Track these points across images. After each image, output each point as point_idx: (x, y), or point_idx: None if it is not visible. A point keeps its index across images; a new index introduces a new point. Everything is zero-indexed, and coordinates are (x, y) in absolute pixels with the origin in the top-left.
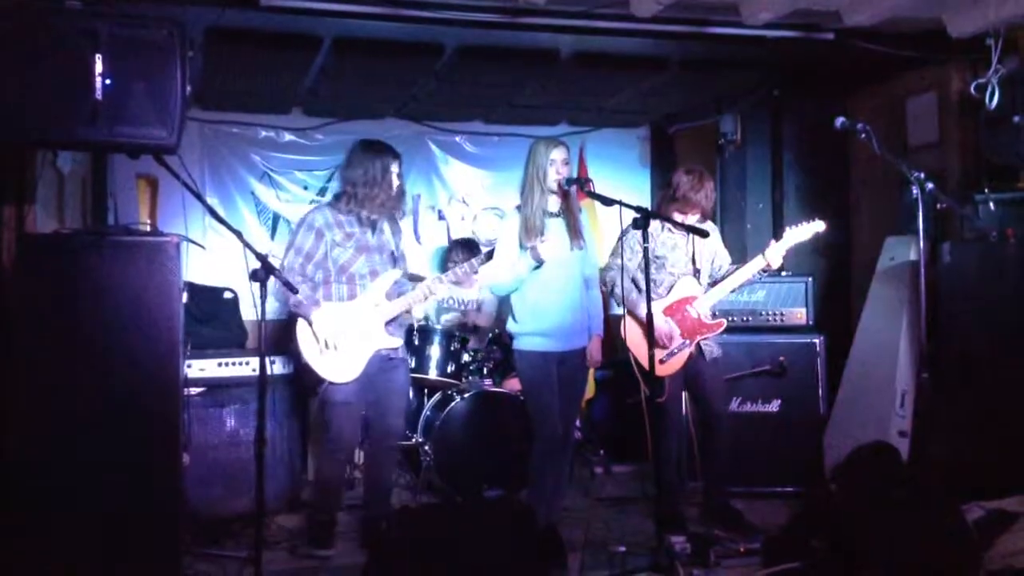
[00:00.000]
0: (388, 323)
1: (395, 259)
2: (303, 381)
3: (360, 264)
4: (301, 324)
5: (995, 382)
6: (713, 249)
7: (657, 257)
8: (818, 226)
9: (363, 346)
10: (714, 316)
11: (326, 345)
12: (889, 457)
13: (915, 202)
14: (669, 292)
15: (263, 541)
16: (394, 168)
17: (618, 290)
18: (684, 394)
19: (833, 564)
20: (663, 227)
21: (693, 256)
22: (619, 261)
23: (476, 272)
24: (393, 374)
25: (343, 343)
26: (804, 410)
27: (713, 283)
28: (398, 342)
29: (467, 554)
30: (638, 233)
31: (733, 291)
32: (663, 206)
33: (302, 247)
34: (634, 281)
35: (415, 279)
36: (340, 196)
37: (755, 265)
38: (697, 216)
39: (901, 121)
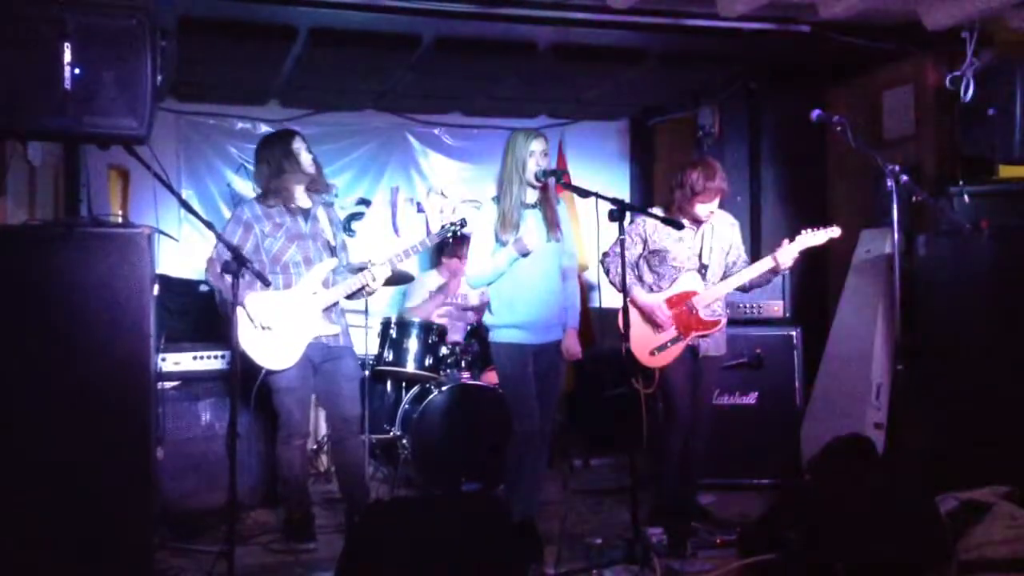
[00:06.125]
0: (326, 310)
1: (332, 248)
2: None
3: (292, 252)
4: (238, 311)
5: (970, 374)
6: (729, 243)
7: (658, 250)
8: (834, 232)
9: (299, 333)
10: (713, 313)
11: (260, 327)
12: (865, 449)
13: (890, 194)
14: (671, 285)
15: (236, 535)
16: (295, 145)
17: (614, 277)
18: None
19: (808, 555)
20: None
21: (700, 251)
22: (619, 249)
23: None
24: (339, 363)
25: (278, 327)
26: (781, 402)
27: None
28: (336, 329)
29: (443, 548)
30: (639, 224)
31: (737, 290)
32: (682, 204)
33: (230, 241)
34: (635, 270)
35: (359, 269)
36: (261, 196)
37: (762, 266)
38: (717, 201)
39: (877, 114)
